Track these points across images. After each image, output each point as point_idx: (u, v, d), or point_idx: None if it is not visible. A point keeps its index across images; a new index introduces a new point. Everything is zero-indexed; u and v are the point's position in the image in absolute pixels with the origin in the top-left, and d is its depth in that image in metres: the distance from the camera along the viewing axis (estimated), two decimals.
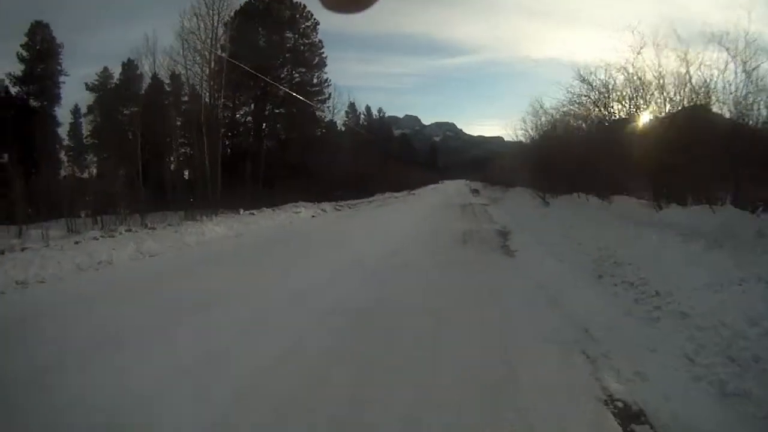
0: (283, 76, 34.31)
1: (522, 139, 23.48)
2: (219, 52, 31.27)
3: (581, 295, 5.44)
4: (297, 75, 36.41)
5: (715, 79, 7.59)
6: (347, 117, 50.96)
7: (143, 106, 30.80)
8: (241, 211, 18.33)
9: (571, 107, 13.51)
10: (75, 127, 34.62)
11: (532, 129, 19.45)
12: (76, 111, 34.53)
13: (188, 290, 6.05)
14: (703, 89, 7.93)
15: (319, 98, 36.64)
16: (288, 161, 35.19)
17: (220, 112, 31.24)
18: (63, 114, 31.94)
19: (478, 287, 6.02)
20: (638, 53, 9.56)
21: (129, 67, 31.85)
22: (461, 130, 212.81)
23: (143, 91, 31.06)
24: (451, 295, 5.56)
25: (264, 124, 32.63)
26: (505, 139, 44.46)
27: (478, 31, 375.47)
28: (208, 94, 30.97)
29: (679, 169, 8.06)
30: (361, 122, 55.59)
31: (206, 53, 30.67)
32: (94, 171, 32.38)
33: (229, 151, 32.72)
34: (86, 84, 30.97)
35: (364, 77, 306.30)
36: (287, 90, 29.74)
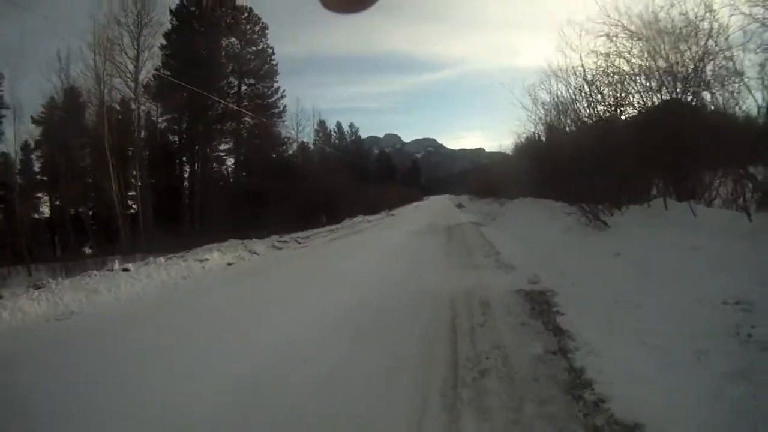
0: (223, 85, 28.07)
1: (518, 139, 17.80)
2: (143, 64, 25.27)
3: None
4: (245, 87, 30.26)
5: None
6: (317, 136, 45.10)
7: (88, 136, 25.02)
8: (116, 264, 11.74)
9: None
10: (25, 164, 29.11)
11: (544, 116, 13.30)
12: (25, 147, 28.88)
13: None
14: None
15: (272, 111, 30.43)
16: (236, 188, 28.89)
17: (142, 132, 24.89)
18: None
19: None
20: None
21: (71, 94, 25.36)
22: (442, 144, 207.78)
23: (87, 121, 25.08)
24: None
25: (197, 146, 26.02)
26: (487, 150, 38.65)
27: (455, 45, 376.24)
28: (135, 114, 24.94)
29: None
30: (332, 141, 49.57)
31: (130, 66, 24.64)
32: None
33: (157, 181, 26.35)
34: (32, 117, 24.82)
35: (342, 100, 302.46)
36: (218, 100, 23.21)
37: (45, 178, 27.90)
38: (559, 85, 11.41)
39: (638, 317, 3.86)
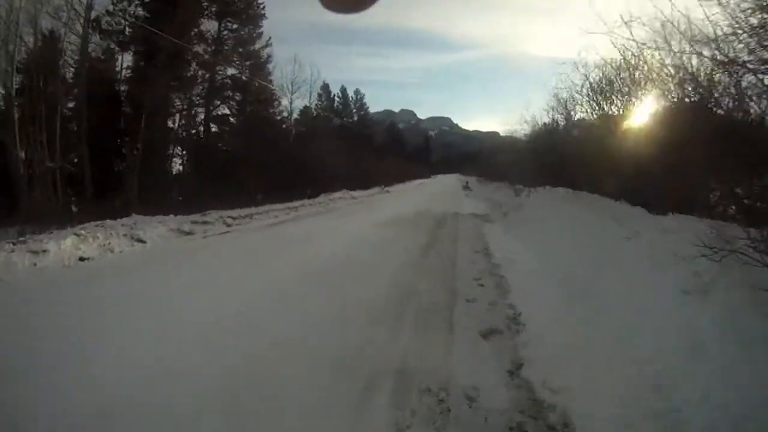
0: (197, 27, 22.28)
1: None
2: None
3: None
4: (225, 31, 24.46)
5: None
6: (320, 100, 39.41)
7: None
8: None
9: None
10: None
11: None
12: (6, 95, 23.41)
13: None
14: None
15: (255, 62, 24.78)
16: (203, 151, 23.46)
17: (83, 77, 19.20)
18: None
19: None
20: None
21: (51, 39, 19.66)
22: (457, 124, 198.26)
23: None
24: None
25: (154, 96, 20.28)
26: (501, 134, 32.59)
27: (478, 27, 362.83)
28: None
29: None
30: (335, 107, 43.72)
31: None
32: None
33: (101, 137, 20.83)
34: (17, 66, 18.99)
35: (359, 71, 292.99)
36: (170, 38, 17.38)
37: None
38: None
39: None
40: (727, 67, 4.39)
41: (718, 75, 4.66)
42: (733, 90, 4.52)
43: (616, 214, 5.93)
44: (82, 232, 8.63)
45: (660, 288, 3.59)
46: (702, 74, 5.07)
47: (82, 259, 7.57)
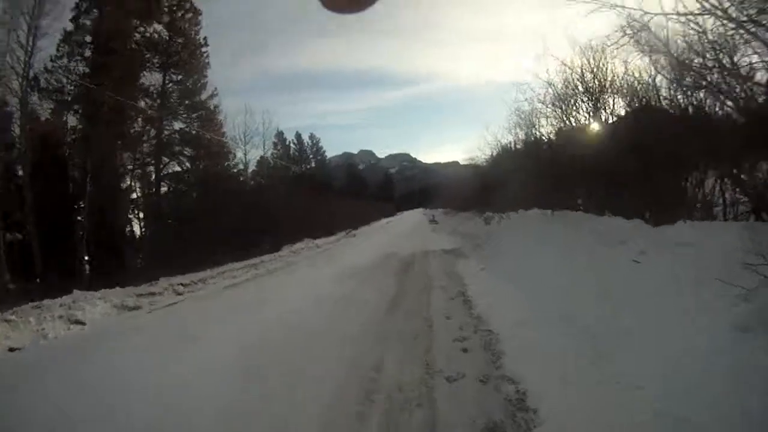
0: (140, 80, 21.30)
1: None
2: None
3: None
4: (170, 84, 23.53)
5: None
6: (275, 148, 38.54)
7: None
8: None
9: None
10: None
11: None
12: None
13: None
14: None
15: (199, 113, 23.84)
16: (151, 211, 22.04)
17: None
18: None
19: None
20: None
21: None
22: (416, 159, 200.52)
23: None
24: None
25: (95, 156, 18.94)
26: (461, 162, 32.63)
27: (429, 60, 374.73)
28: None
29: None
30: (291, 154, 42.95)
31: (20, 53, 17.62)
32: None
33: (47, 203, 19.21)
34: None
35: (316, 117, 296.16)
36: (111, 95, 16.29)
37: None
38: None
39: None
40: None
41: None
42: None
43: (610, 231, 5.18)
44: (13, 317, 7.40)
45: (703, 326, 2.73)
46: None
47: (11, 349, 6.36)
